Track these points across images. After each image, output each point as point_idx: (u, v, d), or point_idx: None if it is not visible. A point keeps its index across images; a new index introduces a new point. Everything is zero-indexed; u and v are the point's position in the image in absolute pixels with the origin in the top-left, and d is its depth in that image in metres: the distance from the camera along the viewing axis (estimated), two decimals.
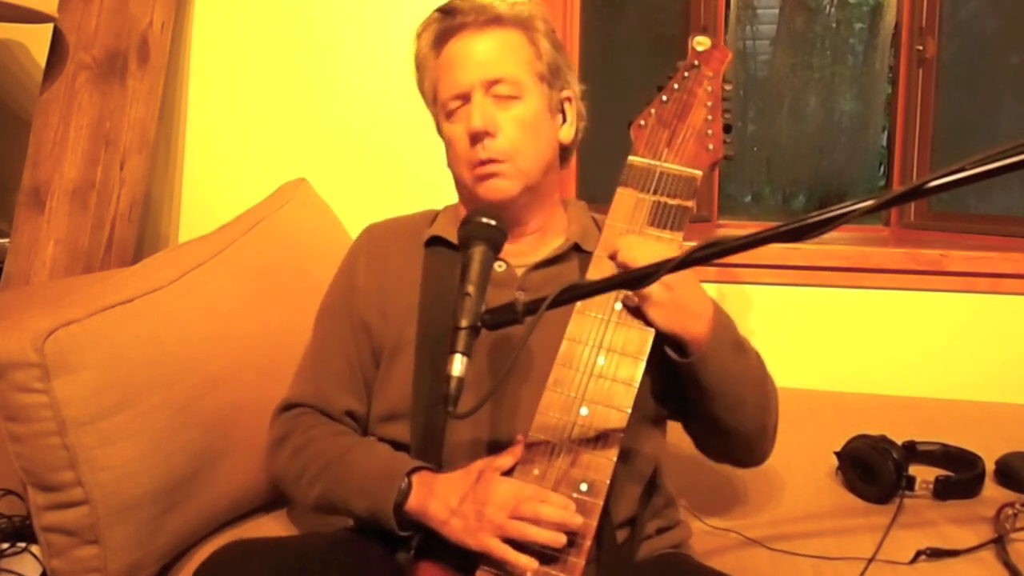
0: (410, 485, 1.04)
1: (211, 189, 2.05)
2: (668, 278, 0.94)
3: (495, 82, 1.14)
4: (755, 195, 5.87)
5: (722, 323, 1.07)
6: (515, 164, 1.14)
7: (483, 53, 1.15)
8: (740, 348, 1.09)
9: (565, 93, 1.21)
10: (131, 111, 1.83)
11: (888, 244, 2.04)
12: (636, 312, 1.01)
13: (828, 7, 5.77)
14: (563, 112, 1.21)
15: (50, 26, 1.79)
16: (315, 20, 1.96)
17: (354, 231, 1.73)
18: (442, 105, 1.18)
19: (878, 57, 5.42)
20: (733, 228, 2.57)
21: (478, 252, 1.01)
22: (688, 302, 1.03)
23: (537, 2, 1.22)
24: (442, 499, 1.01)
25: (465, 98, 1.15)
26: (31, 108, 1.85)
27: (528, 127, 1.15)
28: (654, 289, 0.98)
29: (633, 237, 1.02)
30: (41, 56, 1.84)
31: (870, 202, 0.76)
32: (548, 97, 1.18)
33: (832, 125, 5.85)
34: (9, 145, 2.02)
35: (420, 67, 1.22)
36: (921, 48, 2.21)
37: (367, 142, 1.96)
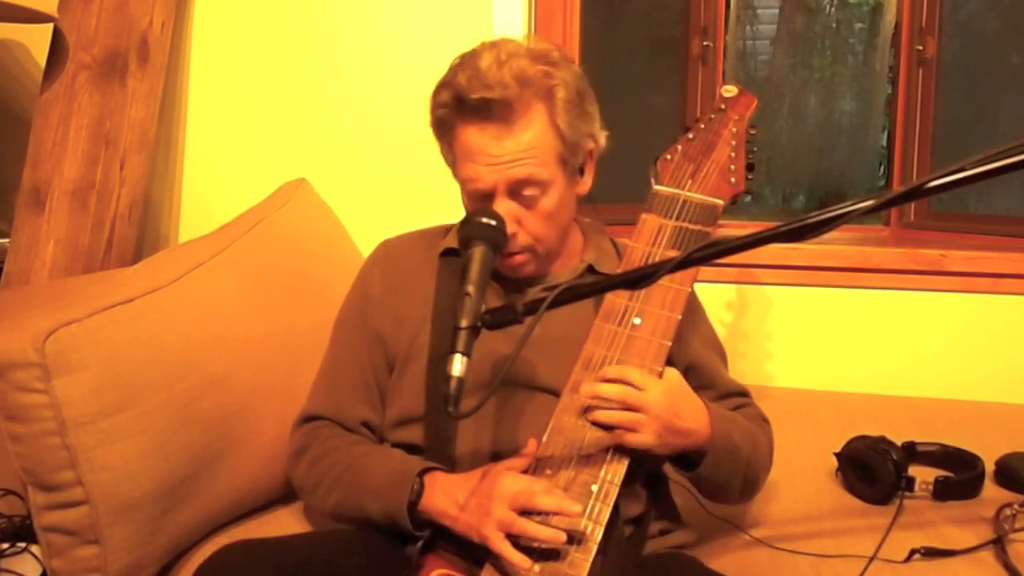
0: (422, 485, 1.05)
1: (211, 189, 2.05)
2: (658, 408, 0.98)
3: (520, 184, 1.09)
4: (755, 195, 5.86)
5: (717, 429, 1.07)
6: (537, 251, 1.14)
7: (506, 154, 1.08)
8: (734, 450, 1.10)
9: (588, 147, 1.16)
10: (131, 111, 1.83)
11: (888, 244, 2.04)
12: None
13: (828, 7, 5.76)
14: (582, 167, 1.17)
15: (50, 26, 1.79)
16: (315, 20, 1.96)
17: (354, 231, 1.74)
18: (458, 179, 1.15)
19: (878, 57, 5.42)
20: (733, 228, 2.56)
21: (478, 252, 1.01)
22: (682, 421, 1.03)
23: (558, 53, 1.13)
24: (450, 495, 1.03)
25: (486, 193, 1.11)
26: (31, 108, 1.85)
27: (552, 217, 1.13)
28: (647, 438, 1.00)
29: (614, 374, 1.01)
30: (41, 56, 1.84)
31: (870, 202, 0.77)
32: (570, 173, 1.14)
33: (832, 125, 5.84)
34: (9, 145, 2.02)
35: (437, 126, 1.15)
36: (921, 48, 2.21)
37: (367, 142, 1.96)
